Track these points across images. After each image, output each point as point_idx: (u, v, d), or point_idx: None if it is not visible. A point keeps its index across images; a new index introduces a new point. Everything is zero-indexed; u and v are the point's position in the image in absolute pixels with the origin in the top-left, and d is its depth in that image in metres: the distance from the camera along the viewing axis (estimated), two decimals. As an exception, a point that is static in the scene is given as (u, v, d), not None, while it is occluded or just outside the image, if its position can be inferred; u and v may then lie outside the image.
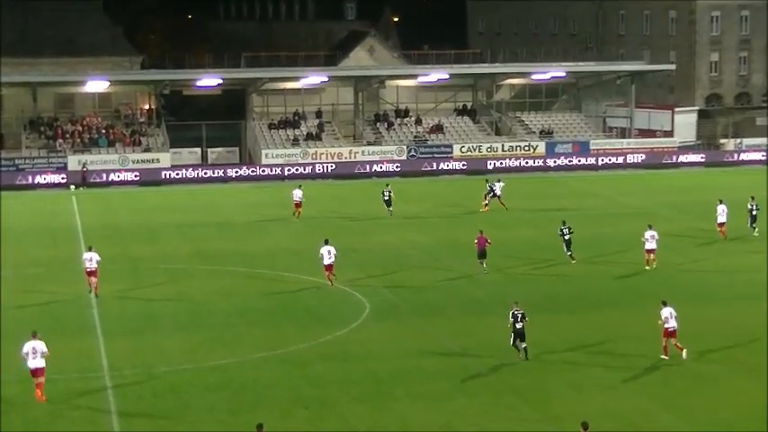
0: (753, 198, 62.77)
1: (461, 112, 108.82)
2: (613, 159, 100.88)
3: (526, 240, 61.49)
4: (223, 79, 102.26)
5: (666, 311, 37.90)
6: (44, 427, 32.30)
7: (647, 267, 53.09)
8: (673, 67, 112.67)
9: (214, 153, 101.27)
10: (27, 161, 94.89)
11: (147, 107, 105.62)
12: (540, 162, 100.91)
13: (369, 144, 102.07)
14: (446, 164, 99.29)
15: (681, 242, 59.70)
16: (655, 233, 53.37)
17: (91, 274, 48.07)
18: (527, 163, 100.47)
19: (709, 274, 52.74)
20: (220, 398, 34.38)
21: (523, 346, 37.72)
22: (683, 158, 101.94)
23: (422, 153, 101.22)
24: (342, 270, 50.89)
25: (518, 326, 37.50)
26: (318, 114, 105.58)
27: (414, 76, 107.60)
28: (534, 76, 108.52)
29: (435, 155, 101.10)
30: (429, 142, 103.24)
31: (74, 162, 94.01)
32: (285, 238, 62.94)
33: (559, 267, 54.03)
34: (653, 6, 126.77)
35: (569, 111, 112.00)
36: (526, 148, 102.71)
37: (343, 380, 36.18)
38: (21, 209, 75.42)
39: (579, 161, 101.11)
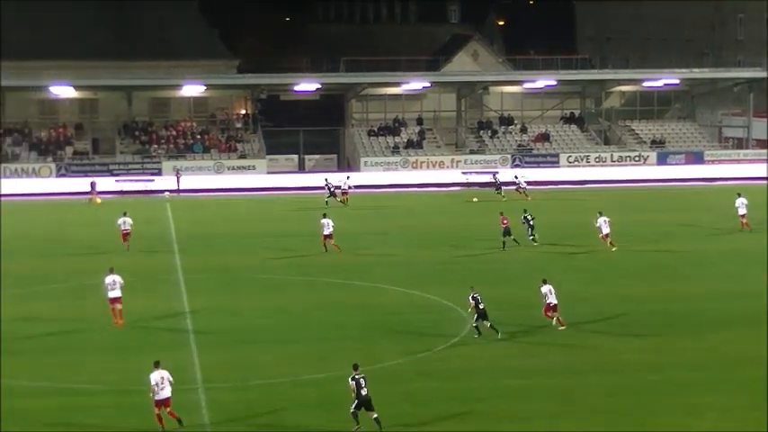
0: None
1: (568, 120, 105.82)
2: (729, 171, 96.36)
3: (637, 255, 59.07)
4: (322, 84, 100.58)
5: (546, 288, 42.56)
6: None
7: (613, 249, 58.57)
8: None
9: (311, 160, 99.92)
10: (121, 166, 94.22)
11: (243, 112, 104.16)
12: (650, 173, 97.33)
13: (471, 153, 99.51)
14: (552, 174, 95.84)
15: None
16: (606, 218, 59.42)
17: (115, 301, 44.04)
18: (637, 174, 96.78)
19: None
20: (316, 413, 33.24)
21: (488, 324, 41.15)
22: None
23: (526, 162, 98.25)
24: (442, 283, 50.30)
25: (480, 306, 41.07)
26: (419, 121, 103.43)
27: (519, 83, 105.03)
28: (645, 83, 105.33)
29: (541, 164, 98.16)
30: (534, 151, 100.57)
31: (168, 168, 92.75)
32: (381, 250, 61.48)
33: (673, 284, 51.81)
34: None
35: (682, 120, 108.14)
36: (636, 159, 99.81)
37: (442, 397, 34.71)
38: (114, 215, 74.06)
39: (693, 173, 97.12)
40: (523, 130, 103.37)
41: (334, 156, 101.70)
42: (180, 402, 33.52)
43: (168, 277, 53.27)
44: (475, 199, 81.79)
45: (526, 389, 35.27)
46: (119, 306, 43.93)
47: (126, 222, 61.39)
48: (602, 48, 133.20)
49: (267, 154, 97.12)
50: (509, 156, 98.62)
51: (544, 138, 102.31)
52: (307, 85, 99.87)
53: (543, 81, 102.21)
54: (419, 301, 47.42)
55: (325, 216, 60.63)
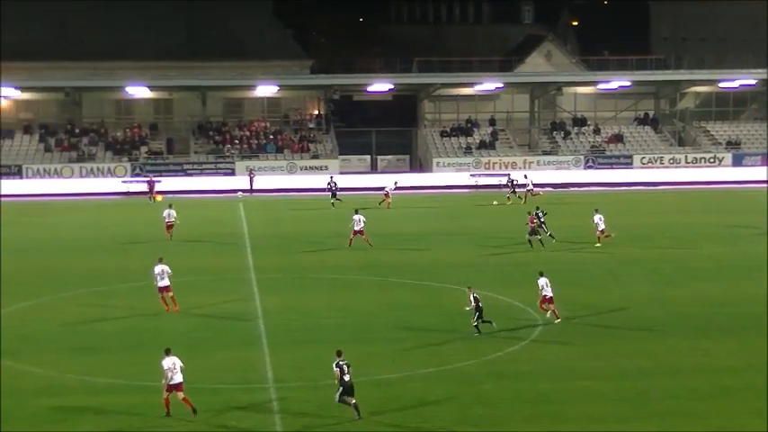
0: None
1: (642, 121, 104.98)
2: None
3: (711, 257, 58.49)
4: (395, 84, 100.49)
5: (542, 281, 43.56)
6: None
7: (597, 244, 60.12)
8: None
9: (384, 160, 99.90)
10: (195, 166, 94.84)
11: (316, 112, 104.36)
12: (725, 175, 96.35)
13: (544, 153, 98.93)
14: (625, 175, 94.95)
15: None
16: (602, 216, 60.95)
17: (164, 290, 45.53)
18: (711, 176, 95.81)
19: None
20: (387, 414, 32.94)
21: (482, 321, 41.89)
22: None
23: (599, 163, 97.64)
24: (514, 285, 49.99)
25: (480, 305, 41.86)
26: (492, 122, 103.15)
27: (593, 83, 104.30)
28: (721, 84, 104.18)
29: (614, 166, 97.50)
30: (607, 152, 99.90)
31: (241, 168, 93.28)
32: (452, 251, 61.15)
33: (746, 286, 50.79)
34: None
35: (759, 121, 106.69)
36: (711, 160, 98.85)
37: (513, 399, 34.34)
38: (187, 214, 74.72)
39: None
40: (597, 131, 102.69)
41: (407, 156, 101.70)
42: (251, 401, 33.80)
43: (241, 276, 53.34)
44: (495, 202, 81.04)
45: (598, 391, 34.87)
46: (169, 294, 45.38)
47: (170, 215, 64.37)
48: (677, 48, 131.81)
49: (340, 154, 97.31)
50: (582, 157, 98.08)
51: (617, 139, 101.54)
52: (380, 86, 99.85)
53: (617, 82, 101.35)
54: (490, 303, 46.91)
55: (357, 212, 61.49)
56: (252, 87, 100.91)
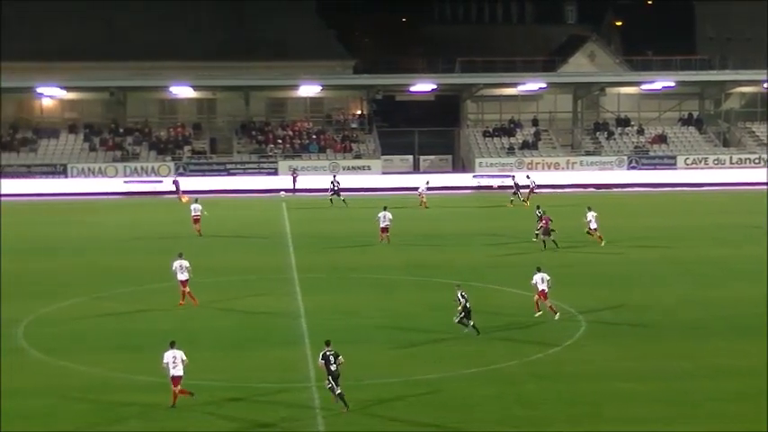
0: None
1: (686, 121, 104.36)
2: None
3: (754, 259, 57.82)
4: (437, 85, 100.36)
5: (538, 277, 44.21)
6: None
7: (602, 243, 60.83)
8: None
9: (426, 160, 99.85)
10: (238, 165, 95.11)
11: (358, 112, 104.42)
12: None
13: (587, 154, 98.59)
14: (669, 176, 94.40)
15: None
16: (595, 213, 61.75)
17: (184, 283, 46.84)
18: (756, 177, 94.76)
19: None
20: (428, 414, 32.93)
21: (471, 323, 41.81)
22: None
23: (643, 164, 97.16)
24: (558, 286, 49.11)
25: (467, 305, 41.73)
26: (535, 122, 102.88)
27: (636, 84, 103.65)
28: (767, 85, 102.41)
29: (657, 166, 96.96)
30: (651, 153, 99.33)
31: (284, 167, 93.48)
32: (495, 251, 61.19)
33: None
34: None
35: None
36: (756, 161, 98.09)
37: (555, 400, 34.33)
38: (230, 214, 75.37)
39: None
40: (640, 131, 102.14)
41: (449, 156, 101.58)
42: (293, 400, 33.93)
43: (283, 275, 53.51)
44: (511, 204, 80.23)
45: (639, 392, 34.78)
46: (188, 289, 46.58)
47: (196, 209, 66.74)
48: (722, 48, 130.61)
49: (382, 154, 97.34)
50: (625, 158, 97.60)
51: (661, 139, 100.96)
52: (422, 86, 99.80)
53: (661, 82, 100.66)
54: (532, 304, 47.12)
55: (385, 209, 63.31)
56: (295, 87, 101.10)
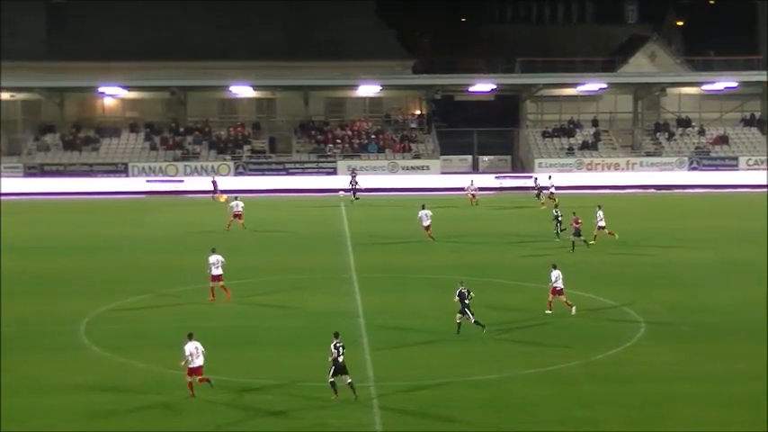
0: None
1: (749, 122, 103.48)
2: None
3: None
4: (497, 85, 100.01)
5: (554, 274, 44.51)
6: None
7: (592, 242, 60.74)
8: None
9: (485, 161, 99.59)
10: (297, 165, 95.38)
11: (417, 112, 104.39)
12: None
13: (647, 155, 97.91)
14: (730, 177, 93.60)
15: None
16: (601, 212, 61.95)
17: (216, 278, 47.43)
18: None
19: None
20: (487, 414, 32.81)
21: (473, 320, 41.52)
22: None
23: (704, 165, 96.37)
24: (617, 287, 49.55)
25: (466, 301, 41.44)
26: (595, 123, 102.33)
27: (697, 84, 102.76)
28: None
29: (719, 167, 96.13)
30: (712, 154, 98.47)
31: (343, 167, 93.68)
32: (551, 251, 60.62)
33: None
34: None
35: None
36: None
37: (613, 401, 34.08)
38: (289, 214, 75.61)
39: None
40: (701, 132, 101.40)
41: (508, 157, 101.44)
42: (351, 400, 33.79)
43: (342, 275, 53.53)
44: (543, 207, 79.07)
45: (700, 395, 34.47)
46: (220, 283, 47.25)
47: (238, 205, 68.24)
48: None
49: (441, 154, 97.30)
50: (686, 158, 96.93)
51: (723, 140, 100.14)
52: (482, 86, 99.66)
53: (723, 83, 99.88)
54: (593, 304, 46.80)
55: (423, 207, 64.34)
56: (354, 87, 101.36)
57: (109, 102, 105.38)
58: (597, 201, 69.23)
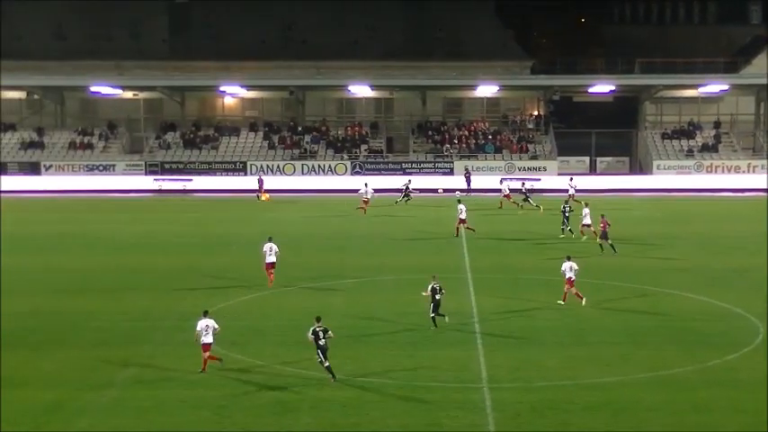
0: None
1: None
2: None
3: None
4: (616, 86, 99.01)
5: (566, 265, 46.04)
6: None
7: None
8: None
9: (603, 162, 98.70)
10: (414, 165, 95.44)
11: (535, 113, 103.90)
12: None
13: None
14: None
15: None
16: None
17: (270, 266, 50.21)
18: None
19: None
20: (600, 418, 32.75)
21: (445, 318, 42.43)
22: None
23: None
24: (733, 290, 49.05)
25: (437, 297, 42.10)
26: (716, 125, 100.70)
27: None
28: None
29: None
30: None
31: (460, 167, 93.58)
32: (672, 255, 60.28)
33: None
34: None
35: None
36: None
37: (729, 408, 33.70)
38: (405, 212, 75.66)
39: None
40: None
41: (626, 158, 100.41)
42: (465, 400, 33.96)
43: (457, 276, 53.51)
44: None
45: (817, 403, 33.83)
46: (272, 271, 50.17)
47: (368, 192, 73.87)
48: None
49: (558, 155, 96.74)
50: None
51: None
52: (601, 87, 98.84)
53: None
54: (709, 308, 46.25)
55: (459, 202, 66.82)
56: (472, 87, 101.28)
57: (228, 101, 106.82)
58: (715, 205, 68.43)
